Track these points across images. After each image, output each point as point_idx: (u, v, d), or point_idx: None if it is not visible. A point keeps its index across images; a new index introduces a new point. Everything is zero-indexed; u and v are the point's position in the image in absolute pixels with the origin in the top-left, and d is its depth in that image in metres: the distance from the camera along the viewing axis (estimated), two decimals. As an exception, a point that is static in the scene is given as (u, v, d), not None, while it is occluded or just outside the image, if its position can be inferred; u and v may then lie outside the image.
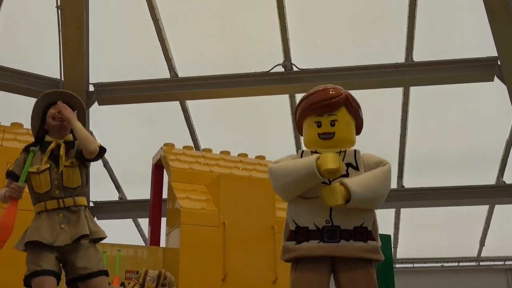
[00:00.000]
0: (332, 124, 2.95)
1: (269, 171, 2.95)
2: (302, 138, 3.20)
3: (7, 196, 3.46)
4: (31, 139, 5.97)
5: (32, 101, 8.75)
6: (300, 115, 3.06)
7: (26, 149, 3.62)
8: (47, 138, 3.64)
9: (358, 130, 3.10)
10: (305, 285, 2.76)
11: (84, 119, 3.82)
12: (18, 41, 8.52)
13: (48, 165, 3.55)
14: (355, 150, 2.95)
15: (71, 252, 3.45)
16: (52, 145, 3.58)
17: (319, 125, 2.96)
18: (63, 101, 3.71)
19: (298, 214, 2.88)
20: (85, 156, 3.56)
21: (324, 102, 2.95)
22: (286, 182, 2.88)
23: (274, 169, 2.93)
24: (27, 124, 6.38)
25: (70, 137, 3.66)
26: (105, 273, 3.55)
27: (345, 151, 2.93)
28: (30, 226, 3.45)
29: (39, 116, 3.71)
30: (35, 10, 8.22)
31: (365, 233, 2.79)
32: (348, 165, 2.89)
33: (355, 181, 2.75)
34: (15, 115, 6.74)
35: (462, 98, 9.07)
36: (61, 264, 3.45)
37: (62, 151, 3.57)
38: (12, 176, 3.55)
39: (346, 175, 2.86)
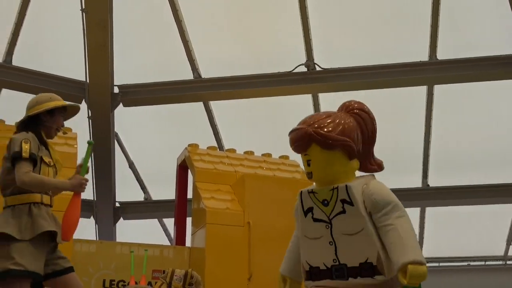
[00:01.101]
0: (308, 164, 2.86)
1: None
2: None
3: (72, 189, 3.58)
4: (60, 142, 6.14)
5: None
6: None
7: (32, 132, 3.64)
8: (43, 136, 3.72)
9: (352, 155, 2.86)
10: None
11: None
12: (44, 45, 8.66)
13: (53, 163, 3.68)
14: (346, 186, 2.75)
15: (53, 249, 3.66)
16: (51, 150, 3.74)
17: (307, 164, 2.88)
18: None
19: (309, 255, 2.87)
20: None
21: (292, 145, 2.89)
22: None
23: None
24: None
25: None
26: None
27: (337, 188, 2.77)
28: (37, 213, 3.48)
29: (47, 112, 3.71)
30: (61, 14, 8.35)
31: (371, 269, 2.70)
32: (343, 201, 2.75)
33: (416, 252, 2.59)
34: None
35: (486, 96, 8.99)
36: None
37: (57, 155, 3.78)
38: (33, 160, 3.50)
39: (343, 211, 2.75)
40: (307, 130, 2.80)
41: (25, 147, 3.49)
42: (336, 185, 2.77)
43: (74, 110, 3.95)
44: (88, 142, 3.73)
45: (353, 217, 2.72)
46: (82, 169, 3.67)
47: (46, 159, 3.60)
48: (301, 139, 2.82)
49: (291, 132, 2.90)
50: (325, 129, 2.79)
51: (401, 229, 2.63)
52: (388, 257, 2.66)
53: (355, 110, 2.93)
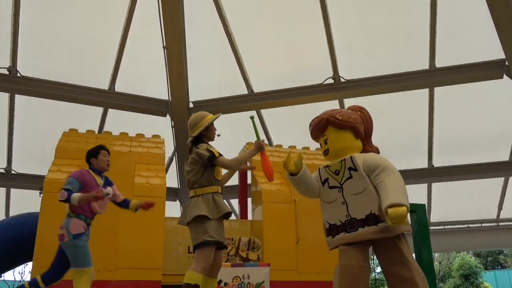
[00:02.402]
0: (325, 142, 3.00)
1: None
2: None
3: (257, 151, 3.76)
4: (152, 146, 6.22)
5: (151, 118, 9.08)
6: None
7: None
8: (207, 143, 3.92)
9: (358, 134, 3.00)
10: (350, 259, 2.72)
11: None
12: (138, 74, 8.81)
13: None
14: (350, 156, 2.88)
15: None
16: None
17: (321, 146, 3.06)
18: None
19: (328, 215, 2.91)
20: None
21: (313, 129, 3.08)
22: (298, 191, 3.12)
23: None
24: (148, 134, 6.65)
25: None
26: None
27: (344, 159, 2.89)
28: (214, 201, 3.67)
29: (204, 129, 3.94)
30: (148, 50, 8.48)
31: (374, 218, 2.71)
32: (349, 169, 2.85)
33: (396, 196, 2.60)
34: (139, 128, 6.99)
35: (478, 93, 8.66)
36: None
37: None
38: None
39: (350, 176, 2.84)
40: (324, 117, 3.02)
41: (214, 150, 3.77)
42: (344, 158, 2.90)
43: (217, 118, 4.15)
44: (250, 117, 3.92)
45: (358, 180, 2.81)
46: (256, 136, 3.83)
47: None
48: (319, 123, 3.02)
49: (311, 123, 3.07)
50: (338, 115, 3.00)
51: (387, 183, 2.69)
52: None
53: (358, 110, 3.12)
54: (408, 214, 2.63)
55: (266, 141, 9.12)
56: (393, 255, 2.69)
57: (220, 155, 3.76)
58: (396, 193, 2.61)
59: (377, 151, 3.06)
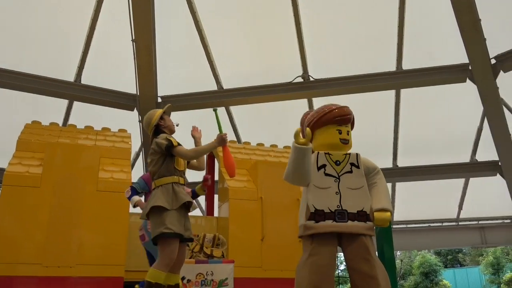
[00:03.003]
0: (348, 133, 3.08)
1: (285, 178, 3.08)
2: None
3: (218, 144, 3.73)
4: (118, 140, 6.11)
5: (118, 112, 8.93)
6: (321, 124, 3.07)
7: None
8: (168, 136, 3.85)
9: None
10: (321, 254, 2.77)
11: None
12: (105, 67, 8.63)
13: None
14: (356, 154, 3.03)
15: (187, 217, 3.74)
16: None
17: (340, 132, 3.03)
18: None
19: (315, 200, 2.88)
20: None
21: (347, 116, 3.07)
22: (292, 171, 2.98)
23: (285, 173, 3.05)
24: (114, 128, 6.52)
25: None
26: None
27: (349, 154, 3.02)
28: (174, 191, 3.57)
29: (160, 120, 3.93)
30: (116, 43, 8.32)
31: (365, 215, 2.86)
32: (352, 164, 2.98)
33: (387, 202, 2.91)
34: (105, 122, 6.85)
35: (442, 95, 8.88)
36: None
37: None
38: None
39: (351, 171, 2.96)
40: (351, 113, 3.13)
41: (173, 140, 3.71)
42: (349, 152, 3.03)
43: (170, 108, 4.12)
44: (213, 109, 3.91)
45: (357, 177, 2.95)
46: (219, 129, 3.81)
47: None
48: (351, 114, 3.12)
49: (341, 108, 3.09)
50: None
51: (380, 186, 2.98)
52: None
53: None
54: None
55: (229, 136, 9.09)
56: (359, 252, 2.76)
57: (179, 145, 3.70)
58: (386, 199, 2.91)
59: None
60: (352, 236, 2.79)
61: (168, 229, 3.41)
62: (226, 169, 3.75)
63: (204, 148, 3.77)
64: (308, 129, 2.99)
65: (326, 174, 2.92)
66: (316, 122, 3.09)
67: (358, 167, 2.97)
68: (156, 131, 3.87)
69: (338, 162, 2.96)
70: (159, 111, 3.94)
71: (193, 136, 4.12)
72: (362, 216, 2.85)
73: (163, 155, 3.67)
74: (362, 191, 2.91)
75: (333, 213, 2.82)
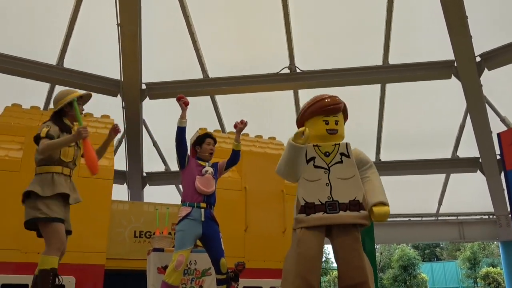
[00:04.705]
0: (336, 123, 3.04)
1: (277, 171, 3.06)
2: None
3: (76, 137, 3.47)
4: (101, 126, 6.03)
5: (101, 97, 8.81)
6: (308, 115, 3.08)
7: (57, 123, 3.56)
8: (66, 121, 3.67)
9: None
10: (308, 246, 2.81)
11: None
12: (88, 51, 8.51)
13: (73, 143, 3.61)
14: (346, 143, 3.01)
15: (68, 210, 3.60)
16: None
17: (326, 123, 3.01)
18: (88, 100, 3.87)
19: (306, 193, 2.91)
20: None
21: (334, 105, 3.04)
22: (284, 165, 2.99)
23: (277, 167, 3.05)
24: (97, 114, 6.44)
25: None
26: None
27: (339, 144, 3.00)
28: (53, 180, 3.43)
29: (68, 103, 3.66)
30: (100, 26, 8.19)
31: (358, 205, 2.85)
32: (342, 154, 2.96)
33: (384, 197, 2.87)
34: (88, 107, 6.73)
35: (426, 91, 9.00)
36: None
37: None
38: (51, 137, 3.45)
39: (341, 161, 2.94)
40: (342, 101, 3.11)
41: (44, 130, 3.48)
42: (338, 142, 3.00)
43: (89, 96, 3.91)
44: (72, 100, 3.62)
45: (348, 167, 2.93)
46: (78, 121, 3.60)
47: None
48: (340, 103, 3.09)
49: (329, 97, 3.08)
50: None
51: (374, 181, 2.92)
52: None
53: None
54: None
55: (214, 125, 9.06)
56: (349, 242, 2.79)
57: (48, 137, 3.43)
58: (382, 193, 2.87)
59: None
60: (343, 227, 2.81)
61: (43, 214, 3.34)
62: (87, 165, 3.51)
63: (60, 142, 3.47)
64: (307, 129, 2.97)
65: (316, 166, 2.93)
66: (303, 114, 3.10)
67: (348, 156, 2.95)
68: (58, 113, 3.66)
69: (327, 153, 2.96)
70: (73, 95, 3.68)
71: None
72: (354, 205, 2.84)
73: None
74: (353, 181, 2.89)
75: (323, 205, 2.84)
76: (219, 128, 8.89)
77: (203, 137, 4.35)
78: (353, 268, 2.74)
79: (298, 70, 8.55)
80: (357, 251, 2.77)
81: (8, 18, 7.99)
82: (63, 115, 3.67)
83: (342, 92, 8.78)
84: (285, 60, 8.53)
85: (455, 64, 8.02)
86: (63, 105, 3.65)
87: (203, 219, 3.93)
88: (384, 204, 2.80)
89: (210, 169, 4.16)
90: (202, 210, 3.96)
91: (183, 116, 4.11)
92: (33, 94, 8.51)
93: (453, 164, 9.82)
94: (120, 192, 9.28)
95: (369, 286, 2.72)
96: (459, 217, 11.27)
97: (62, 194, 3.47)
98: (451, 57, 7.94)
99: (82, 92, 3.84)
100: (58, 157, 3.52)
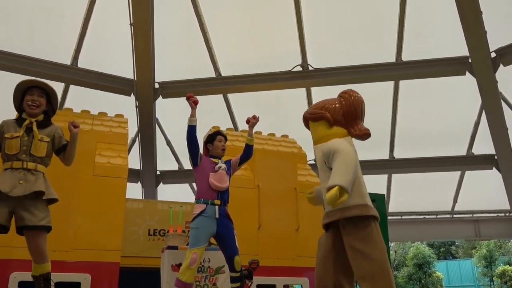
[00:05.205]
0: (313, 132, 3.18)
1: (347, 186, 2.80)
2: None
3: None
4: (115, 125, 6.08)
5: (115, 96, 8.87)
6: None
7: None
8: (24, 115, 3.58)
9: (330, 123, 3.07)
10: (320, 247, 2.93)
11: (56, 102, 3.80)
12: (102, 51, 8.59)
13: (20, 135, 3.46)
14: (314, 147, 3.11)
15: (22, 205, 3.33)
16: (26, 122, 3.51)
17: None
18: (39, 87, 3.67)
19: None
20: (62, 161, 3.62)
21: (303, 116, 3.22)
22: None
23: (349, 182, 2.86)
24: (111, 113, 6.50)
25: (41, 117, 3.59)
26: (45, 228, 3.39)
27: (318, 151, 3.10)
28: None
29: (19, 97, 3.64)
30: (114, 27, 8.26)
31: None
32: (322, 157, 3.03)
33: (332, 180, 2.68)
34: (102, 106, 6.81)
35: (441, 88, 8.91)
36: (12, 216, 3.34)
37: (34, 127, 3.52)
38: None
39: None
40: (303, 114, 3.17)
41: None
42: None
43: (30, 83, 3.71)
44: None
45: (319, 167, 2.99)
46: None
47: (8, 135, 3.45)
48: (303, 120, 3.18)
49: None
50: (310, 109, 3.14)
51: (333, 168, 2.77)
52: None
53: (340, 94, 3.13)
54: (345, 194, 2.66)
55: (226, 124, 9.08)
56: (345, 238, 2.75)
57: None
58: (333, 176, 2.69)
59: (361, 134, 3.00)
60: (347, 220, 2.77)
61: None
62: None
63: None
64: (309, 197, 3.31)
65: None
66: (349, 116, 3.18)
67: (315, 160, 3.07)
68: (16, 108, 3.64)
69: (314, 159, 3.13)
70: (21, 85, 3.63)
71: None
72: None
73: None
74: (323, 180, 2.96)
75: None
76: (232, 127, 8.92)
77: (214, 135, 4.39)
78: (365, 258, 2.68)
79: (310, 68, 8.53)
80: (349, 247, 2.73)
81: (23, 19, 8.10)
82: (21, 107, 3.63)
83: (355, 89, 8.78)
84: (297, 57, 8.52)
85: (470, 60, 7.93)
86: (14, 98, 3.65)
87: (217, 216, 3.95)
88: (331, 187, 2.64)
89: (223, 165, 4.18)
90: (217, 207, 3.98)
91: (193, 115, 4.12)
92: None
93: (468, 161, 9.72)
94: (134, 190, 9.38)
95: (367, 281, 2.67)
96: (474, 215, 11.15)
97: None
98: (466, 53, 7.86)
99: (25, 81, 3.73)
100: (3, 152, 3.43)
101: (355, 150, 2.99)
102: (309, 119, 3.10)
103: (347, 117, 3.01)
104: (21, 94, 3.62)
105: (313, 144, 3.05)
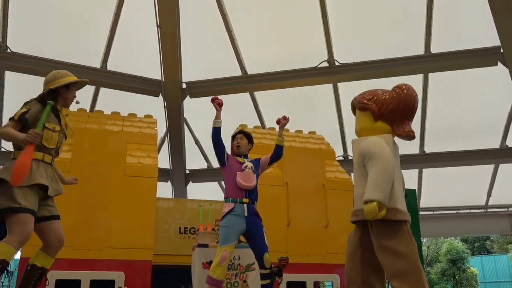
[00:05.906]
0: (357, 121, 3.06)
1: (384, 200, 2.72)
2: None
3: (24, 140, 3.10)
4: (144, 125, 6.17)
5: (144, 98, 8.98)
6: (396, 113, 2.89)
7: (43, 102, 3.32)
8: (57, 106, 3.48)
9: (375, 116, 2.96)
10: (349, 244, 2.89)
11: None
12: (130, 53, 8.71)
13: (60, 129, 3.36)
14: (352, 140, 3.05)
15: (46, 197, 3.34)
16: (65, 120, 3.44)
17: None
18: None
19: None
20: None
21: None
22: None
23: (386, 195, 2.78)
24: (140, 114, 6.60)
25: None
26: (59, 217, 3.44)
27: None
28: (31, 168, 3.14)
29: (63, 87, 3.49)
30: (141, 29, 8.37)
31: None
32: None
33: (367, 194, 2.59)
34: (131, 107, 6.93)
35: (472, 79, 8.69)
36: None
37: (69, 126, 3.50)
38: (24, 122, 3.21)
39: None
40: (352, 100, 3.05)
41: (19, 112, 3.23)
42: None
43: (83, 84, 3.71)
44: (48, 103, 3.31)
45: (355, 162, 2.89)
46: (38, 124, 3.25)
47: (50, 126, 3.31)
48: (351, 105, 3.06)
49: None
50: (360, 97, 2.97)
51: (369, 177, 2.65)
52: None
53: (394, 87, 2.92)
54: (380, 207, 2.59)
55: (253, 121, 9.08)
56: (390, 234, 2.67)
57: (21, 120, 3.16)
58: (370, 189, 2.59)
59: (405, 134, 2.85)
60: (376, 222, 2.72)
61: (17, 203, 3.04)
62: (13, 171, 3.06)
63: (12, 135, 3.15)
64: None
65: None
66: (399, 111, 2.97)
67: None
68: (48, 93, 3.39)
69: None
70: (69, 78, 3.48)
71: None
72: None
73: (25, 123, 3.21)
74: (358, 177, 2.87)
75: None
76: (259, 124, 8.93)
77: (234, 135, 4.45)
78: (396, 256, 2.66)
79: (337, 63, 8.44)
80: (378, 247, 2.68)
81: (53, 25, 8.30)
82: (57, 95, 3.43)
83: (382, 84, 8.55)
84: (323, 53, 8.44)
85: (501, 50, 7.70)
86: (59, 86, 3.41)
87: (246, 214, 3.97)
88: (370, 201, 2.56)
89: (250, 164, 4.19)
90: (245, 205, 4.00)
91: (217, 117, 4.16)
92: (79, 97, 8.80)
93: (502, 154, 9.46)
94: (164, 189, 9.50)
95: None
96: (509, 209, 10.87)
97: (40, 185, 3.20)
98: (497, 43, 7.63)
99: (79, 79, 3.66)
100: (39, 142, 3.19)
101: (396, 148, 2.87)
102: (357, 107, 2.98)
103: (394, 114, 2.84)
104: (65, 86, 3.50)
105: (355, 132, 2.98)
